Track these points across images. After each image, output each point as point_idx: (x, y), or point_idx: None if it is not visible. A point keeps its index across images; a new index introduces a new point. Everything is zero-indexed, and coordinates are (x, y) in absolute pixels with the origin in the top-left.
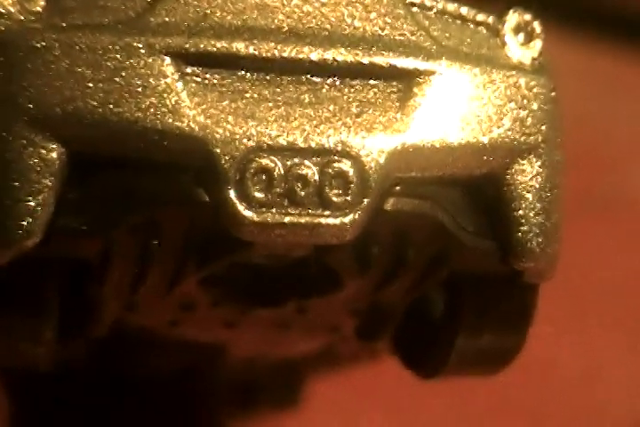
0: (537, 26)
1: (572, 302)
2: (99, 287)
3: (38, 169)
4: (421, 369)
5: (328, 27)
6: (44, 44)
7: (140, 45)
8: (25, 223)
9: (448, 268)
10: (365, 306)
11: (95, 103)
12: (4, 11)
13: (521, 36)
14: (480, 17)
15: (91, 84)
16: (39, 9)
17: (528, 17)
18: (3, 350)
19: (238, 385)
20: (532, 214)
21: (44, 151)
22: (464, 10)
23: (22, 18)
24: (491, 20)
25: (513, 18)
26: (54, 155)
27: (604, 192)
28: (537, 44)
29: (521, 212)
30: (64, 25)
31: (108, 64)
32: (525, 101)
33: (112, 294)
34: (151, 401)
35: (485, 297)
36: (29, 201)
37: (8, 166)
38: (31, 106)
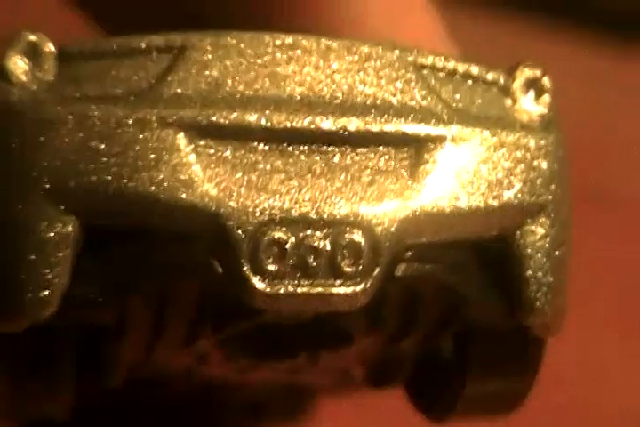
0: (546, 81)
1: (570, 304)
2: (115, 347)
3: (54, 242)
4: (431, 413)
5: (340, 95)
6: (56, 116)
7: (153, 118)
8: (41, 295)
9: (457, 323)
10: (376, 357)
11: (109, 177)
12: (15, 80)
13: (531, 92)
14: (490, 75)
15: (104, 158)
16: (51, 78)
17: (538, 72)
18: (19, 409)
19: (247, 403)
20: (540, 274)
21: (59, 224)
22: (474, 69)
23: (34, 87)
24: (501, 77)
25: (523, 74)
26: (70, 227)
27: (606, 190)
28: (546, 99)
29: (530, 271)
30: (76, 96)
31: (121, 137)
32: (535, 162)
33: (128, 352)
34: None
35: (493, 348)
36: (46, 274)
37: (24, 239)
38: (45, 179)
